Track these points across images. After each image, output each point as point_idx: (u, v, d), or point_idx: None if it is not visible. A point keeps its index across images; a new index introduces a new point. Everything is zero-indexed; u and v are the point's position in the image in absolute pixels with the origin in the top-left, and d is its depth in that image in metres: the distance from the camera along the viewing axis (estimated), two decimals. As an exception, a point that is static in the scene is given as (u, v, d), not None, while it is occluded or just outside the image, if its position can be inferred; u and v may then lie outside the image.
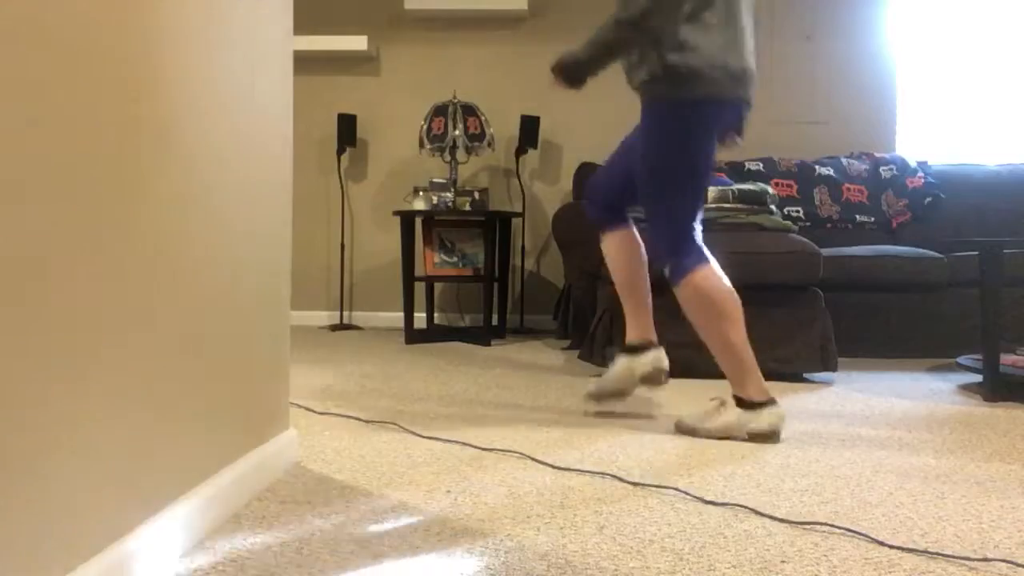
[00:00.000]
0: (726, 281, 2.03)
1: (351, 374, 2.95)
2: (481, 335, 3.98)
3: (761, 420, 1.95)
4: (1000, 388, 2.56)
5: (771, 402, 1.97)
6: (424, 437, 1.96)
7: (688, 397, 2.55)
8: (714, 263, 2.04)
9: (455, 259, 4.23)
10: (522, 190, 4.66)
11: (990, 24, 4.62)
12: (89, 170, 0.95)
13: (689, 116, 1.99)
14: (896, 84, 4.61)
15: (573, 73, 2.06)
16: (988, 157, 4.53)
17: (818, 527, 1.34)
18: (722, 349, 2.01)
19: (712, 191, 3.13)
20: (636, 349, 2.27)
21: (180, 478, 1.20)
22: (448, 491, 1.52)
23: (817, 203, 4.11)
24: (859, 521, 1.37)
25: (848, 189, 4.15)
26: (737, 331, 2.00)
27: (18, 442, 0.83)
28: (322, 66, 4.77)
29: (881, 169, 4.21)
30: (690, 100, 1.97)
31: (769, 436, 1.95)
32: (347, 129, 4.54)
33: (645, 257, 2.29)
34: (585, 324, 3.62)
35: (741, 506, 1.44)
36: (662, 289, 2.97)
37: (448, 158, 4.24)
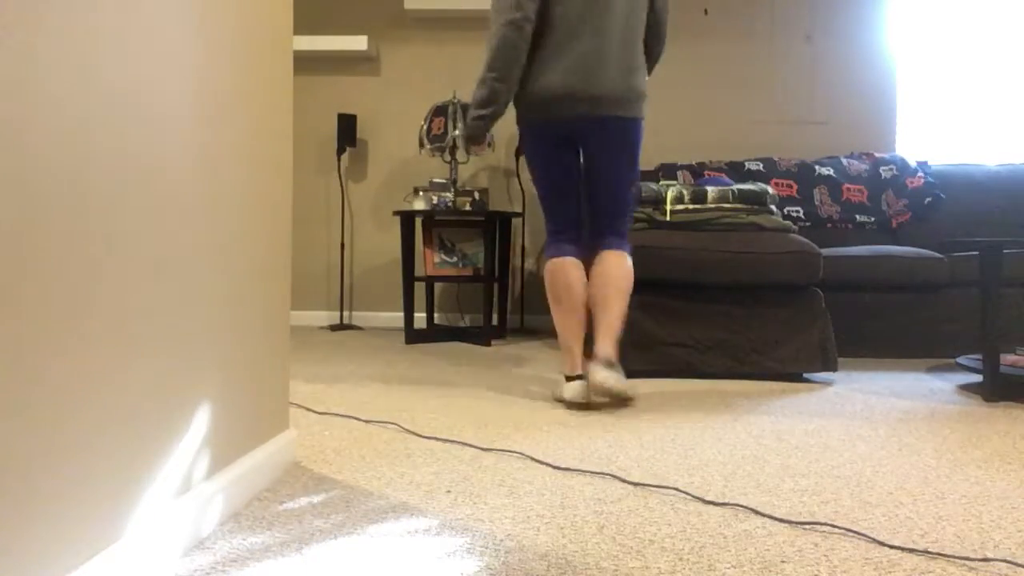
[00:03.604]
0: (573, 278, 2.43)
1: (351, 374, 2.95)
2: (481, 335, 3.98)
3: (564, 390, 2.38)
4: (1000, 388, 2.56)
5: (577, 377, 2.40)
6: (424, 437, 1.96)
7: (687, 396, 2.55)
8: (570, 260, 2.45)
9: (455, 259, 4.23)
10: (522, 190, 4.66)
11: (990, 24, 4.62)
12: (87, 171, 0.95)
13: (521, 133, 2.49)
14: (896, 84, 4.61)
15: (480, 137, 2.45)
16: (988, 157, 4.53)
17: (818, 527, 1.34)
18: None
19: (712, 191, 3.13)
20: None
21: (180, 478, 1.20)
22: (448, 491, 1.52)
23: (817, 203, 4.11)
24: (859, 521, 1.37)
25: (848, 189, 4.15)
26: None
27: (18, 443, 0.83)
28: (322, 66, 4.77)
29: (881, 169, 4.21)
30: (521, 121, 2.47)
31: (565, 401, 2.39)
32: (347, 129, 4.54)
33: None
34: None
35: (741, 506, 1.44)
36: (660, 291, 2.98)
37: (448, 158, 4.24)
